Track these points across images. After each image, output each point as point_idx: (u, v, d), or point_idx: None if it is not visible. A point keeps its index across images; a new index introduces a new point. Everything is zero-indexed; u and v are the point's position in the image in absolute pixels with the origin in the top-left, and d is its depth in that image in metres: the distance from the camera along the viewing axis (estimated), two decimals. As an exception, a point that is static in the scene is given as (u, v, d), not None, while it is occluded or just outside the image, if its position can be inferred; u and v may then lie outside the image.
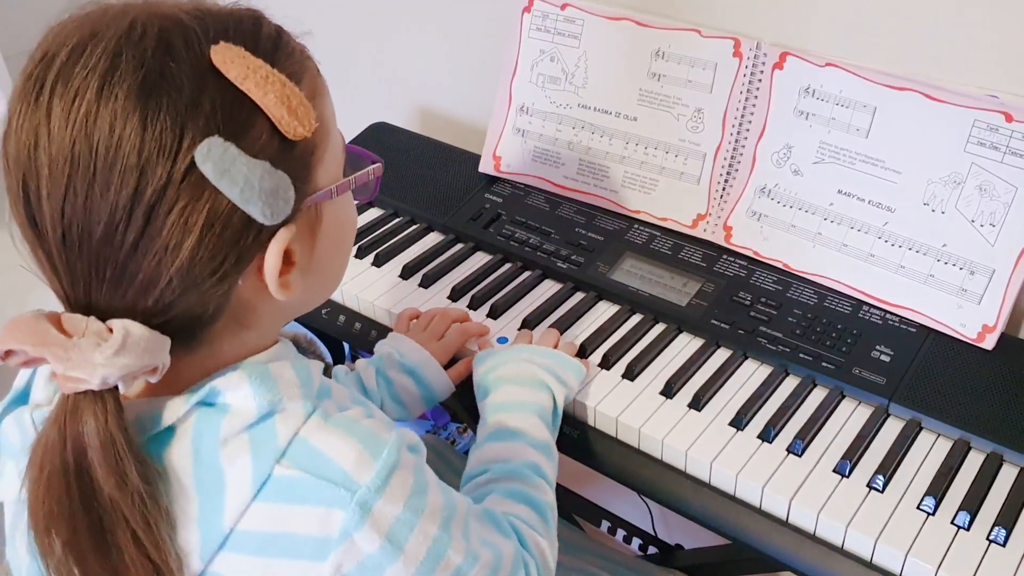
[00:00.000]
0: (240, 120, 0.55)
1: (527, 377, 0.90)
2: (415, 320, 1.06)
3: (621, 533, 1.38)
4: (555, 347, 0.98)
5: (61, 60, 0.54)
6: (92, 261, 0.55)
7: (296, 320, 1.17)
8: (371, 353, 1.04)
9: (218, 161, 0.54)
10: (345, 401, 0.66)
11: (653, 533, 1.39)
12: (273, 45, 0.60)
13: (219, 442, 0.59)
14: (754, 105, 1.10)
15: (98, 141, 0.53)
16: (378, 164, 0.70)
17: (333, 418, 0.62)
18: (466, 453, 0.89)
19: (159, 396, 0.60)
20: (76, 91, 0.54)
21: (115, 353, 0.54)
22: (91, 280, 0.56)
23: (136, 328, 0.55)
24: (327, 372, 0.96)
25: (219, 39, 0.56)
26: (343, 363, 1.54)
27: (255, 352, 0.64)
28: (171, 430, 0.60)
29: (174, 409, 0.60)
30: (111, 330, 0.55)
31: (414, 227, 1.24)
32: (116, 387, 0.57)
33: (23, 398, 0.67)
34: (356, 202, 0.72)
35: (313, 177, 0.61)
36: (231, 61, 0.55)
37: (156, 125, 0.53)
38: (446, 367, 1.00)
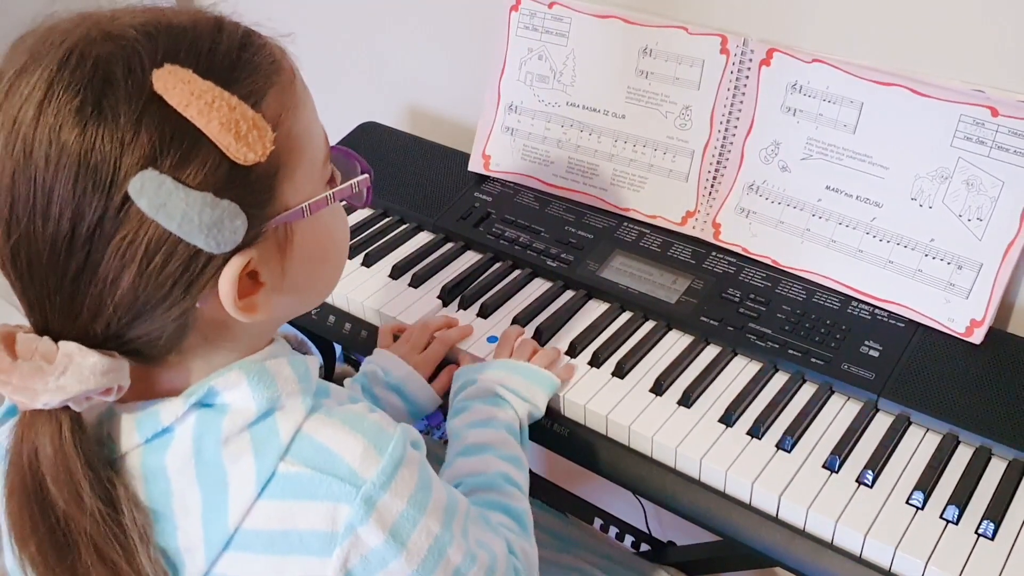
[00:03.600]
0: (182, 150, 0.53)
1: (491, 395, 0.90)
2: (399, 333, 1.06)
3: (614, 530, 1.39)
4: (532, 355, 0.97)
5: (4, 86, 0.53)
6: (42, 287, 0.55)
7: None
8: (362, 354, 1.04)
9: (153, 196, 0.52)
10: (343, 398, 0.66)
11: (647, 530, 1.39)
12: (231, 63, 0.57)
13: (220, 442, 0.59)
14: (741, 102, 1.10)
15: (35, 172, 0.53)
16: (365, 176, 0.68)
17: (337, 412, 0.62)
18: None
19: (153, 399, 0.60)
20: (15, 119, 0.53)
21: (56, 379, 0.54)
22: (44, 305, 0.56)
23: (82, 355, 0.55)
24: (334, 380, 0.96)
25: (167, 60, 0.54)
26: (334, 363, 1.54)
27: (241, 358, 0.63)
28: (169, 431, 0.60)
29: (171, 410, 0.59)
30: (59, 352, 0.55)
31: (404, 226, 1.24)
32: (69, 407, 0.56)
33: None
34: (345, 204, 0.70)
35: (278, 198, 0.59)
36: (173, 87, 0.53)
37: (91, 158, 0.52)
38: (432, 377, 1.00)
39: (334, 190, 0.65)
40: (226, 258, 0.56)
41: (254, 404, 0.60)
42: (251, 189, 0.56)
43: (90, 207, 0.52)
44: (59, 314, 0.56)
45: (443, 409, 1.00)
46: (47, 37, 0.55)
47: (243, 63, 0.57)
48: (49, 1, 0.57)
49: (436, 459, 1.15)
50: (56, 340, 0.55)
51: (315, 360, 0.66)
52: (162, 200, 0.52)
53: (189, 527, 0.60)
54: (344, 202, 0.68)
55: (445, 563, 0.63)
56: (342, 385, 1.00)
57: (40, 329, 0.56)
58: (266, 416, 0.60)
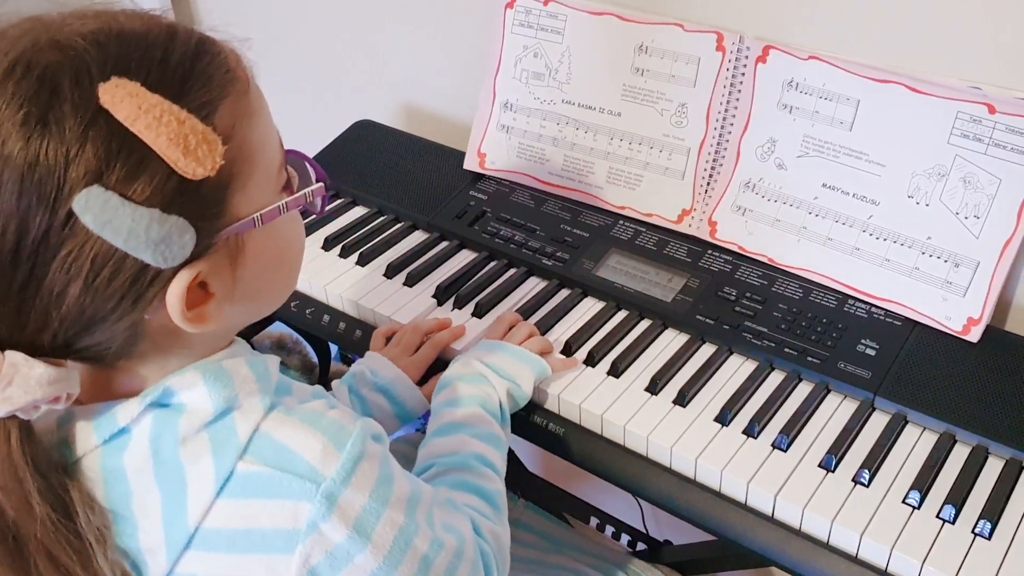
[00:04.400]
0: (129, 165, 0.52)
1: (471, 373, 0.89)
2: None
3: (610, 530, 1.38)
4: (525, 340, 0.97)
5: None
6: None
7: (280, 320, 1.16)
8: (357, 353, 1.04)
9: (98, 213, 0.52)
10: (306, 396, 0.66)
11: (644, 530, 1.39)
12: (183, 74, 0.56)
13: (178, 442, 0.59)
14: (737, 99, 1.10)
15: None
16: (319, 185, 0.67)
17: (296, 411, 0.62)
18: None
19: (110, 400, 0.60)
20: None
21: (2, 390, 0.54)
22: None
23: (28, 366, 0.54)
24: (322, 383, 0.95)
25: (116, 71, 0.53)
26: (329, 362, 1.54)
27: (195, 361, 0.62)
28: (126, 432, 0.60)
29: (128, 411, 0.59)
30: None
31: (398, 225, 1.23)
32: (16, 415, 0.56)
33: None
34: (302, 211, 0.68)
35: (229, 209, 0.58)
36: (120, 100, 0.52)
37: (35, 172, 0.51)
38: (422, 381, 0.99)
39: (286, 200, 0.63)
40: (174, 271, 0.56)
41: (211, 404, 0.60)
42: (201, 203, 0.56)
43: (34, 221, 0.52)
44: (5, 325, 0.55)
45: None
46: None
47: (196, 74, 0.57)
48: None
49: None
50: (2, 350, 0.55)
51: (274, 359, 0.66)
52: (108, 217, 0.52)
53: (150, 527, 0.60)
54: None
55: (412, 553, 0.63)
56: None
57: None
58: (224, 416, 0.60)
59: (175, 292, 0.56)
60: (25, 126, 0.51)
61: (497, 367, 0.90)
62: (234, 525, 0.59)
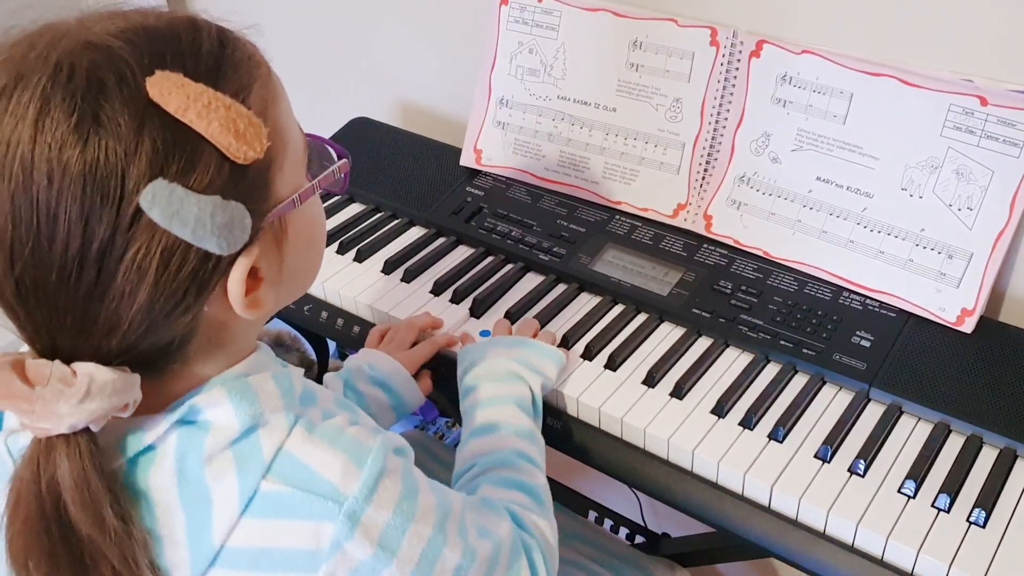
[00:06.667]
0: (186, 155, 0.52)
1: (502, 372, 0.90)
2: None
3: (608, 523, 1.39)
4: (534, 336, 0.98)
5: None
6: (50, 310, 0.54)
7: (278, 317, 1.17)
8: (355, 349, 1.04)
9: (165, 205, 0.51)
10: (330, 405, 0.66)
11: (642, 523, 1.39)
12: (215, 62, 0.56)
13: (203, 460, 0.59)
14: (732, 94, 1.10)
15: (37, 194, 0.51)
16: (344, 160, 0.69)
17: (318, 428, 0.61)
18: (455, 446, 0.89)
19: (140, 416, 0.59)
20: (8, 143, 0.51)
21: (80, 401, 0.53)
22: (53, 327, 0.54)
23: (101, 373, 0.54)
24: (319, 379, 0.95)
25: (155, 67, 0.53)
26: (328, 358, 1.54)
27: (234, 363, 0.62)
28: (152, 449, 0.59)
29: (154, 429, 0.59)
30: (76, 373, 0.54)
31: (396, 222, 1.24)
32: (88, 427, 0.56)
33: None
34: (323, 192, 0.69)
35: (272, 192, 0.59)
36: (169, 93, 0.52)
37: (96, 173, 0.51)
38: (417, 376, 0.99)
39: (319, 177, 0.65)
40: (233, 258, 0.56)
41: (237, 421, 0.59)
42: (251, 187, 0.56)
43: (100, 223, 0.51)
44: (70, 334, 0.54)
45: (443, 392, 1.00)
46: (27, 53, 0.53)
47: (226, 60, 0.57)
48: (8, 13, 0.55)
49: (433, 456, 1.16)
50: (67, 361, 0.54)
51: (298, 372, 0.66)
52: (175, 208, 0.52)
53: (175, 544, 0.59)
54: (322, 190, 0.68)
55: (441, 566, 0.63)
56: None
57: (47, 352, 0.55)
58: (249, 433, 0.60)
59: (236, 278, 0.57)
60: (80, 128, 0.51)
61: (527, 362, 0.91)
62: (258, 544, 0.59)
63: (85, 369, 0.54)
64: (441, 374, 1.01)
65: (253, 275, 0.59)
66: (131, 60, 0.53)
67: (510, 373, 0.89)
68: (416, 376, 0.99)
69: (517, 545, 0.71)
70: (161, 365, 0.59)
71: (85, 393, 0.53)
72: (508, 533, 0.71)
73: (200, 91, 0.53)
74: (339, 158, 0.69)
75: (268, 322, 1.39)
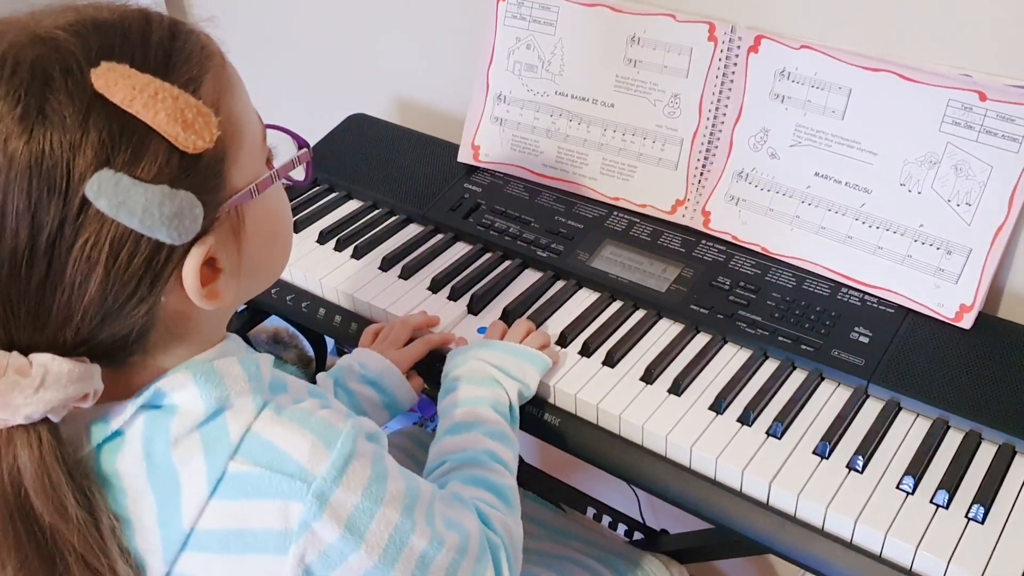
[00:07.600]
0: (132, 145, 0.53)
1: (481, 375, 0.90)
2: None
3: (607, 520, 1.39)
4: (524, 338, 0.97)
5: None
6: (3, 302, 0.54)
7: (276, 314, 1.17)
8: (353, 346, 1.04)
9: (111, 195, 0.52)
10: (302, 394, 0.66)
11: (641, 520, 1.39)
12: (165, 53, 0.57)
13: (170, 443, 0.59)
14: (730, 89, 1.10)
15: None
16: (304, 150, 0.69)
17: (286, 411, 0.62)
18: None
19: (107, 403, 0.60)
20: None
21: (35, 391, 0.54)
22: (7, 319, 0.55)
23: (57, 364, 0.54)
24: (313, 378, 0.95)
25: (102, 58, 0.53)
26: (325, 355, 1.54)
27: (199, 353, 0.62)
28: (120, 435, 0.60)
29: (120, 415, 0.59)
30: (32, 364, 0.54)
31: (393, 218, 1.24)
32: (48, 418, 0.56)
33: None
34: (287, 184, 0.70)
35: (227, 182, 0.59)
36: (115, 83, 0.52)
37: (43, 165, 0.51)
38: (409, 375, 0.99)
39: (278, 167, 0.65)
40: (187, 248, 0.57)
41: (202, 404, 0.60)
42: (202, 177, 0.57)
43: (48, 214, 0.52)
44: (25, 326, 0.55)
45: (429, 403, 0.99)
46: None
47: (176, 52, 0.58)
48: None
49: (427, 452, 1.15)
50: (24, 353, 0.55)
51: (267, 358, 0.66)
52: (121, 198, 0.52)
53: (146, 529, 0.60)
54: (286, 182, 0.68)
55: (408, 551, 0.63)
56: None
57: (3, 344, 0.56)
58: (215, 416, 0.60)
59: (190, 268, 0.57)
60: (24, 120, 0.51)
61: (506, 368, 0.91)
62: (227, 526, 0.59)
63: (40, 360, 0.54)
64: (438, 371, 1.01)
65: (211, 265, 0.59)
66: (77, 52, 0.53)
67: (489, 377, 0.90)
68: (408, 375, 0.99)
69: (484, 542, 0.71)
70: (122, 356, 0.59)
71: (40, 383, 0.54)
72: (476, 529, 0.71)
73: (147, 82, 0.53)
74: (300, 148, 0.69)
75: (262, 322, 1.39)
